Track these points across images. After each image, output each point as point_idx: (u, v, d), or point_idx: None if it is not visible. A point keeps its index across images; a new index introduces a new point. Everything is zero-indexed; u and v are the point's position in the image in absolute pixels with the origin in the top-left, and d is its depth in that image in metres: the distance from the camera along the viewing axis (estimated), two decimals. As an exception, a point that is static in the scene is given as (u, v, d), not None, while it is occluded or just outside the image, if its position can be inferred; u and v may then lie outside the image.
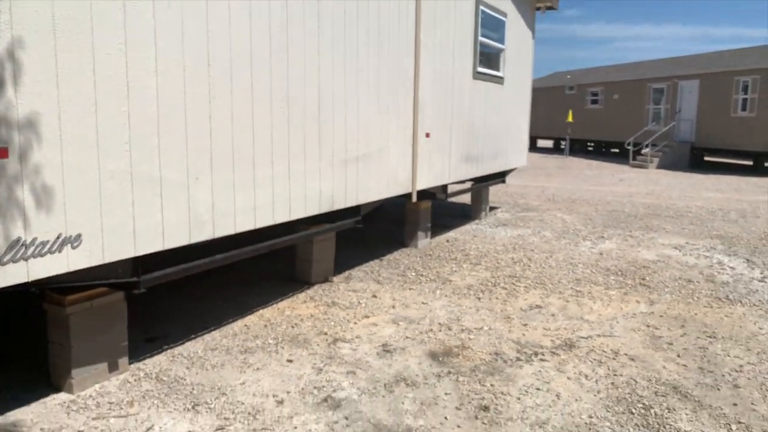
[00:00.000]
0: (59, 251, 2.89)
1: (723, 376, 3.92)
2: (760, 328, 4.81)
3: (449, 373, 3.88)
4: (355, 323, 4.72)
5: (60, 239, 2.88)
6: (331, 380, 3.72)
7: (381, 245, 7.43)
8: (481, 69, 7.89)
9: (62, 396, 3.40)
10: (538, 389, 3.68)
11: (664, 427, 3.25)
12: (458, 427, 3.22)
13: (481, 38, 7.81)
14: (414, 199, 6.50)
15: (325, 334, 4.48)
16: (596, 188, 14.22)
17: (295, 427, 3.15)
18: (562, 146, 26.50)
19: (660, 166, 20.12)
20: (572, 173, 18.09)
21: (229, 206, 3.91)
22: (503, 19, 8.54)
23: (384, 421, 3.26)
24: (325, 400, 3.47)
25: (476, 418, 3.31)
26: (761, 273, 6.54)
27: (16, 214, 2.70)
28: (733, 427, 3.27)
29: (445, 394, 3.60)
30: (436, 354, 4.18)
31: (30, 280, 2.78)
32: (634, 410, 3.42)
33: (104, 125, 3.05)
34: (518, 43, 9.27)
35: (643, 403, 3.51)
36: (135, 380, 3.63)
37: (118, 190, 3.16)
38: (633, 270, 6.54)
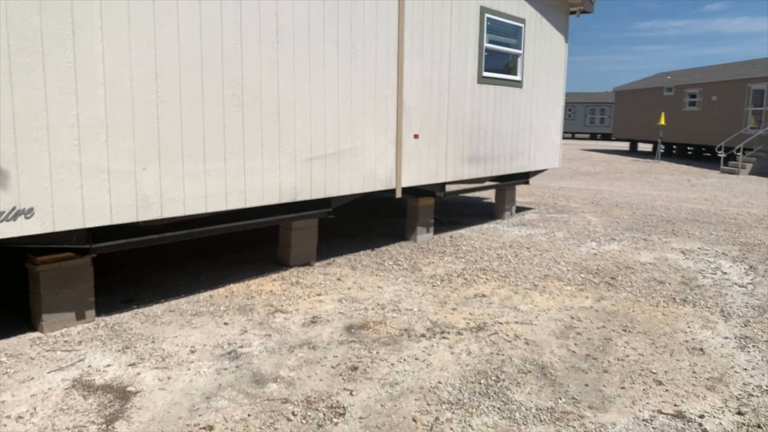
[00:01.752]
0: (14, 220, 3.84)
1: (602, 363, 4.17)
2: (686, 328, 4.90)
3: (351, 341, 4.45)
4: (304, 300, 5.40)
5: (14, 210, 3.83)
6: (246, 340, 4.43)
7: (381, 238, 8.03)
8: (487, 74, 8.24)
9: (34, 334, 4.39)
10: (416, 359, 4.16)
11: (499, 395, 3.64)
12: (320, 380, 3.80)
13: (488, 44, 8.17)
14: (398, 194, 7.04)
15: (272, 306, 5.20)
16: (656, 193, 13.79)
17: (189, 369, 3.90)
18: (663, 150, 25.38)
19: (753, 173, 18.82)
20: (647, 178, 17.47)
21: (177, 193, 4.74)
22: (519, 25, 8.81)
23: (263, 371, 3.91)
24: (230, 353, 4.19)
25: (340, 375, 3.88)
26: (752, 279, 6.41)
27: (-23, 190, 3.67)
28: (562, 400, 3.59)
29: (333, 356, 4.18)
30: (353, 327, 4.76)
31: (-12, 239, 3.75)
32: (483, 381, 3.82)
33: (54, 125, 3.97)
34: (543, 47, 9.46)
35: (498, 377, 3.89)
36: (94, 328, 4.55)
37: (68, 176, 4.08)
38: (614, 270, 6.65)
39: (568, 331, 4.76)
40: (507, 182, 9.54)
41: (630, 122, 30.88)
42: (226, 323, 4.77)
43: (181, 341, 4.37)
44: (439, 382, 3.80)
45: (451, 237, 8.29)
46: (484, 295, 5.66)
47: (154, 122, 4.53)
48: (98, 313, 4.82)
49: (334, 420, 3.30)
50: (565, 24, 10.05)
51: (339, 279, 6.05)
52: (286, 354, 4.20)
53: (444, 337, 4.57)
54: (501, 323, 4.92)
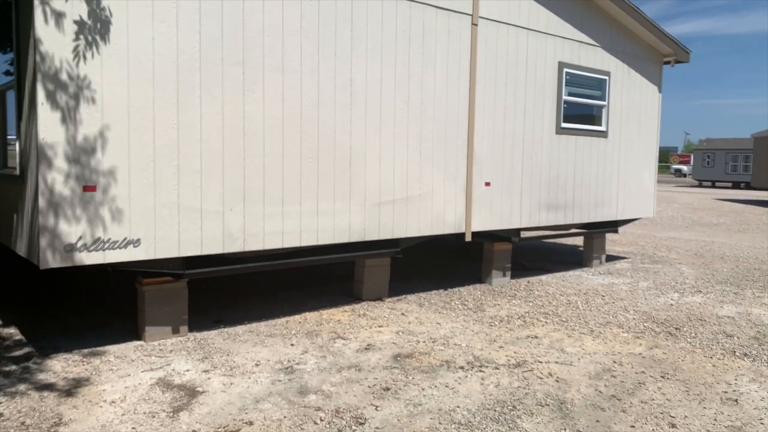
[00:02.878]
0: (125, 248, 4.86)
1: (623, 404, 4.34)
2: (732, 380, 4.87)
3: (393, 367, 4.98)
4: (366, 330, 6.01)
5: (125, 240, 4.86)
6: (304, 359, 5.11)
7: (458, 279, 8.47)
8: (566, 125, 8.54)
9: (138, 342, 5.38)
10: (446, 386, 4.60)
11: (508, 422, 3.98)
12: (354, 396, 4.37)
13: (567, 97, 8.50)
14: (468, 238, 7.50)
15: (335, 333, 5.87)
16: (777, 247, 12.89)
17: (249, 378, 4.64)
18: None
19: None
20: (775, 230, 16.24)
21: (258, 230, 5.61)
22: (603, 77, 9.04)
23: (309, 384, 4.55)
24: (286, 368, 4.88)
25: (372, 393, 4.42)
26: (837, 338, 6.08)
27: (99, 224, 4.73)
28: (567, 431, 3.86)
29: (373, 378, 4.73)
30: (400, 355, 5.28)
31: (105, 262, 4.79)
32: (498, 409, 4.18)
33: (160, 174, 5.00)
34: (632, 98, 9.56)
35: (514, 406, 4.22)
36: (185, 341, 5.47)
37: (168, 214, 5.08)
38: (683, 321, 6.60)
39: (604, 374, 4.94)
40: (594, 230, 9.61)
41: None
42: (292, 344, 5.49)
43: (250, 356, 5.14)
44: (458, 407, 4.21)
45: (528, 282, 8.53)
46: (536, 337, 5.93)
47: (241, 171, 5.46)
48: (191, 329, 5.75)
49: (353, 427, 3.85)
50: (657, 74, 10.08)
51: (403, 314, 6.60)
52: (333, 373, 4.81)
53: (480, 371, 4.95)
54: (541, 362, 5.19)
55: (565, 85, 8.49)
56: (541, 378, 4.81)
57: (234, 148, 5.42)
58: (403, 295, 7.46)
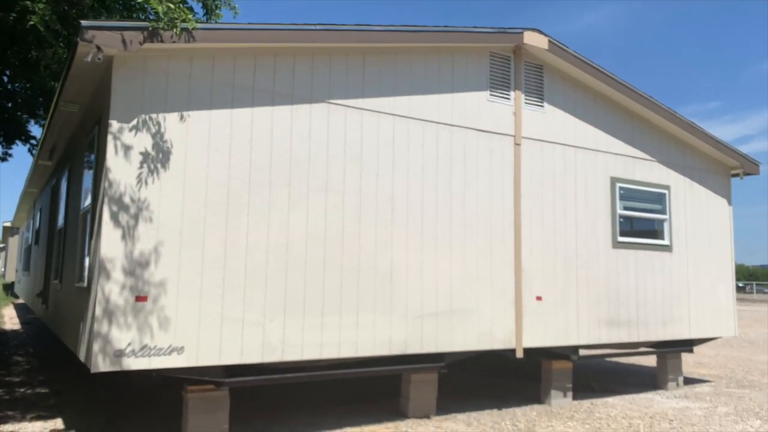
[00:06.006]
0: (169, 354, 5.22)
1: None
2: None
3: (421, 485, 4.83)
4: (404, 446, 5.89)
5: (170, 347, 5.22)
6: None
7: (515, 399, 8.14)
8: (623, 239, 8.40)
9: (179, 450, 5.57)
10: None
11: None
12: None
13: (622, 211, 8.45)
14: (519, 354, 7.31)
15: (372, 449, 5.79)
16: None
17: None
18: None
19: None
20: None
21: (297, 340, 5.84)
22: (662, 191, 8.94)
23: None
24: (312, 481, 4.87)
25: None
26: None
27: (147, 331, 5.15)
28: None
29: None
30: (432, 474, 5.12)
31: (151, 368, 5.14)
32: None
33: (206, 284, 5.43)
34: (698, 211, 9.32)
35: None
36: (222, 450, 5.60)
37: (212, 323, 5.44)
38: (757, 450, 5.97)
39: (649, 503, 4.53)
40: (665, 349, 9.04)
41: None
42: (325, 458, 5.47)
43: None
44: None
45: (591, 403, 8.05)
46: (583, 460, 5.57)
47: (282, 283, 5.81)
48: (234, 440, 5.89)
49: None
50: (725, 187, 9.82)
51: (447, 432, 6.42)
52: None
53: (512, 492, 4.70)
54: (581, 487, 4.85)
55: (620, 200, 8.46)
56: (576, 504, 4.48)
57: (277, 260, 5.81)
58: (453, 414, 7.26)
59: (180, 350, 5.28)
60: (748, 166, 9.79)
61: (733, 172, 9.93)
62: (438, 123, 6.99)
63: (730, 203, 9.85)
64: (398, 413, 7.09)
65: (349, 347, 6.13)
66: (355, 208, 6.31)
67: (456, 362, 7.12)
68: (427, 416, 7.00)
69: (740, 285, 74.81)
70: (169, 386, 7.11)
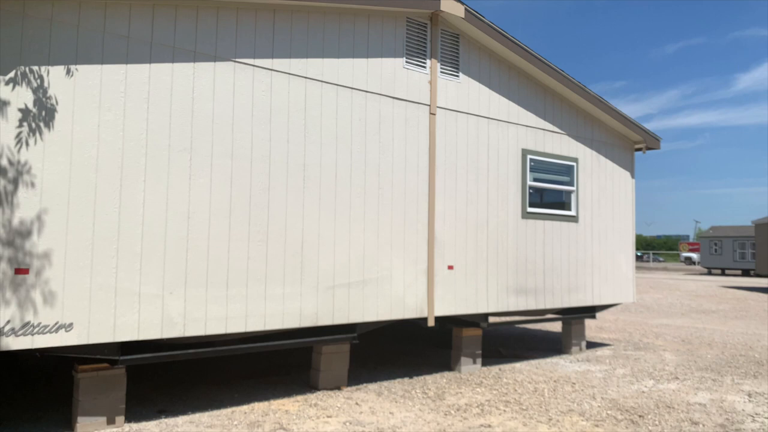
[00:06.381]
0: (56, 332, 4.80)
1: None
2: (685, 470, 4.58)
3: (328, 459, 4.74)
4: (312, 420, 5.77)
5: (57, 324, 4.80)
6: (237, 450, 4.88)
7: (427, 367, 8.22)
8: (532, 209, 8.58)
9: (69, 433, 5.19)
10: (377, 479, 4.35)
11: None
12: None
13: (532, 182, 8.60)
14: (430, 323, 7.35)
15: (278, 424, 5.63)
16: (763, 333, 12.50)
17: (170, 470, 4.42)
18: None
19: None
20: (774, 317, 15.80)
21: (200, 314, 5.54)
22: (570, 163, 9.18)
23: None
24: (215, 460, 4.66)
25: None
26: (812, 427, 5.76)
27: (30, 307, 4.70)
28: None
29: (303, 470, 4.50)
30: (340, 446, 5.04)
31: (33, 347, 4.71)
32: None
33: (98, 255, 5.02)
34: (603, 183, 9.65)
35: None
36: None
37: (104, 297, 5.05)
38: (650, 409, 6.30)
39: (550, 465, 4.66)
40: (570, 316, 9.40)
41: None
42: (229, 436, 5.27)
43: (181, 447, 4.92)
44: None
45: (499, 369, 8.26)
46: (489, 426, 5.67)
47: (183, 254, 5.48)
48: (130, 420, 5.55)
49: None
50: (629, 161, 10.22)
51: (357, 403, 6.36)
52: (264, 465, 4.58)
53: (419, 461, 4.70)
54: (486, 453, 4.92)
55: (530, 171, 8.61)
56: (481, 470, 4.54)
57: (177, 231, 5.45)
58: (364, 384, 7.22)
59: (68, 327, 4.87)
60: (651, 141, 10.23)
61: (636, 146, 10.35)
62: (353, 89, 6.77)
63: (633, 176, 10.28)
64: (309, 386, 6.97)
65: (256, 320, 5.90)
66: (264, 176, 6.03)
67: (370, 332, 7.07)
68: (338, 387, 6.92)
69: (638, 254, 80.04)
70: (65, 365, 6.64)
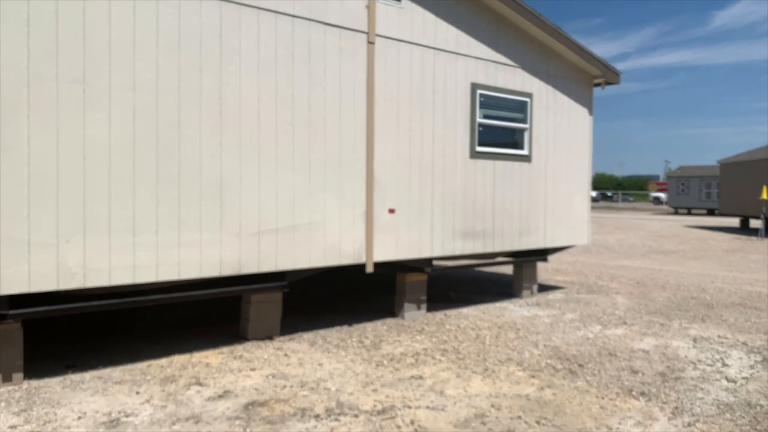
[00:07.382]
0: (-74, 286, 4.28)
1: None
2: (615, 424, 4.34)
3: (238, 417, 4.38)
4: (234, 374, 5.40)
5: (-73, 278, 4.27)
6: (139, 410, 4.49)
7: (368, 314, 7.90)
8: (482, 148, 8.12)
9: (-42, 394, 4.74)
10: (284, 441, 4.01)
11: (329, 485, 3.40)
12: (168, 455, 3.77)
13: (482, 120, 8.10)
14: (369, 269, 6.97)
15: (195, 378, 5.25)
16: (723, 274, 12.47)
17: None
18: None
19: None
20: (731, 258, 15.86)
21: (103, 264, 5.04)
22: (524, 99, 8.67)
23: (123, 442, 3.95)
24: (112, 422, 4.26)
25: (191, 451, 3.82)
26: (750, 374, 5.60)
27: None
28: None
29: (207, 431, 4.14)
30: (254, 403, 4.68)
31: None
32: (326, 468, 3.60)
33: (-27, 201, 4.45)
34: (559, 121, 9.19)
35: (346, 465, 3.64)
36: (13, 391, 4.83)
37: (-15, 247, 4.51)
38: (591, 357, 6.07)
39: (474, 420, 4.38)
40: (521, 259, 9.12)
41: (737, 197, 28.48)
42: (137, 392, 4.87)
43: (78, 408, 4.52)
44: (281, 466, 3.62)
45: (445, 315, 7.98)
46: (420, 377, 5.37)
47: (80, 198, 4.92)
48: (32, 377, 5.12)
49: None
50: (587, 97, 9.75)
51: (286, 354, 6.01)
52: (166, 426, 4.21)
53: (336, 419, 4.38)
54: (410, 407, 4.62)
55: (480, 108, 8.09)
56: (399, 427, 4.24)
57: (71, 172, 4.88)
58: (300, 333, 6.87)
59: (-58, 280, 4.35)
60: (610, 75, 9.73)
61: (595, 81, 9.86)
62: (277, 12, 6.09)
63: (591, 113, 9.83)
64: (238, 336, 6.59)
65: (169, 270, 5.43)
66: (173, 111, 5.42)
67: (310, 278, 6.67)
68: (270, 337, 6.55)
69: (609, 194, 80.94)
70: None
